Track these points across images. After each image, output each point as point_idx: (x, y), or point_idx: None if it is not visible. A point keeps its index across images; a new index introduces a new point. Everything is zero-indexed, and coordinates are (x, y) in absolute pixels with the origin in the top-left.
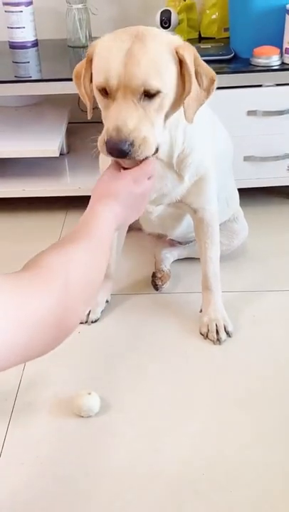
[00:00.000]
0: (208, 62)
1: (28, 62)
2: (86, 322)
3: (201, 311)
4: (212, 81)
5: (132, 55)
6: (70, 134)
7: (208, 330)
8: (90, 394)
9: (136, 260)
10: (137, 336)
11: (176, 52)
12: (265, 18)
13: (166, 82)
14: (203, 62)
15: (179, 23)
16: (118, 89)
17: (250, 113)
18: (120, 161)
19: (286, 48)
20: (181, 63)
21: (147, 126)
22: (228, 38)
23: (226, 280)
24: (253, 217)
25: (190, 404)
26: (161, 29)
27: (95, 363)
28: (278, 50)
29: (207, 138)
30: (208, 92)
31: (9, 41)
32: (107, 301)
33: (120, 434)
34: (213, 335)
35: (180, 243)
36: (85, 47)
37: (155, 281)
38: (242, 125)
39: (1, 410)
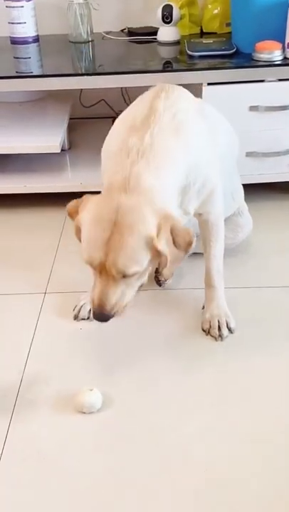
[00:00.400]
0: (210, 57)
1: (30, 57)
2: (88, 318)
3: (203, 307)
4: (189, 244)
5: (111, 248)
6: (71, 129)
7: (210, 326)
8: (91, 390)
9: None
10: (139, 333)
11: (154, 236)
12: (267, 12)
13: (142, 265)
14: (180, 229)
15: (181, 18)
16: (101, 270)
17: (252, 108)
18: None
19: (288, 43)
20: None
21: (129, 294)
22: (230, 32)
23: (229, 276)
24: (254, 213)
25: (192, 400)
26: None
27: (96, 359)
28: (280, 45)
29: (208, 157)
30: (186, 251)
31: (10, 37)
32: None
33: (122, 431)
34: (215, 331)
35: None
36: (86, 42)
37: (158, 278)
38: (244, 121)
39: (3, 407)
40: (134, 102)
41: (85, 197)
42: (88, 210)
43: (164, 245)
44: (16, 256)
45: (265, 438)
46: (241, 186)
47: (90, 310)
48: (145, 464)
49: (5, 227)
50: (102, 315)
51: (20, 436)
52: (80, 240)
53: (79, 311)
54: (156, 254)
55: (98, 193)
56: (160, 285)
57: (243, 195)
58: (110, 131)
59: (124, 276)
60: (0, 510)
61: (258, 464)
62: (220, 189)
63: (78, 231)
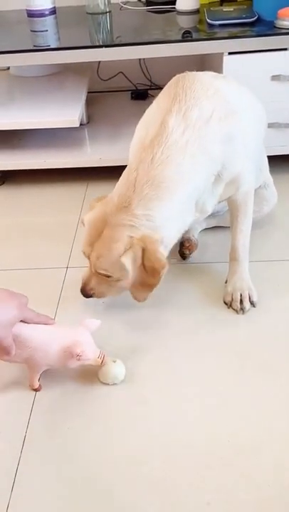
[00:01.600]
0: (230, 25)
1: (47, 30)
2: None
3: (226, 281)
4: (157, 271)
5: (94, 250)
6: (89, 103)
7: (232, 299)
8: (115, 362)
9: None
10: (161, 305)
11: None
12: None
13: (113, 273)
14: (151, 255)
15: None
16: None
17: (275, 78)
18: None
19: None
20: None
21: (104, 287)
22: (251, 0)
23: (252, 249)
24: (278, 186)
25: (214, 372)
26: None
27: (119, 332)
28: None
29: (222, 147)
30: (154, 278)
31: (27, 9)
32: None
33: (145, 402)
34: (237, 304)
35: None
36: (103, 13)
37: (182, 251)
38: (266, 90)
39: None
40: (152, 104)
41: (94, 200)
42: (90, 214)
43: (128, 262)
44: (38, 231)
45: (288, 407)
46: (266, 158)
47: None
48: (168, 433)
49: (25, 203)
50: (83, 292)
51: (46, 406)
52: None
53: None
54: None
55: (116, 167)
56: (184, 258)
57: (268, 167)
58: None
59: (99, 274)
60: (27, 482)
61: (282, 433)
62: (247, 171)
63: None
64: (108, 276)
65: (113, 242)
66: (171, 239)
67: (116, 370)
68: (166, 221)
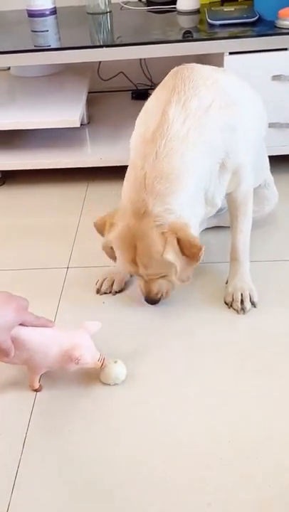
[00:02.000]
0: (231, 25)
1: (47, 30)
2: (110, 292)
3: (227, 282)
4: (196, 255)
5: (138, 264)
6: (90, 103)
7: (233, 299)
8: (116, 362)
9: None
10: (161, 306)
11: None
12: None
13: (166, 271)
14: (186, 241)
15: None
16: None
17: (275, 78)
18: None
19: None
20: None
21: (167, 285)
22: (252, 0)
23: (253, 249)
24: (279, 186)
25: (215, 372)
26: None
27: (120, 332)
28: None
29: (224, 136)
30: (196, 260)
31: (27, 9)
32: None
33: (146, 402)
34: (238, 304)
35: None
36: (104, 13)
37: None
38: (267, 90)
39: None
40: (150, 97)
41: (107, 217)
42: (114, 233)
43: (172, 257)
44: (38, 231)
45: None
46: (267, 157)
47: (112, 284)
48: (169, 434)
49: (26, 203)
50: (152, 301)
51: (46, 406)
52: (108, 255)
53: (101, 285)
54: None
55: (117, 168)
56: None
57: (268, 166)
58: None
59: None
60: (26, 481)
61: (282, 434)
62: (248, 166)
63: (108, 249)
64: (164, 276)
65: (151, 247)
66: (194, 227)
67: (117, 370)
68: (184, 210)
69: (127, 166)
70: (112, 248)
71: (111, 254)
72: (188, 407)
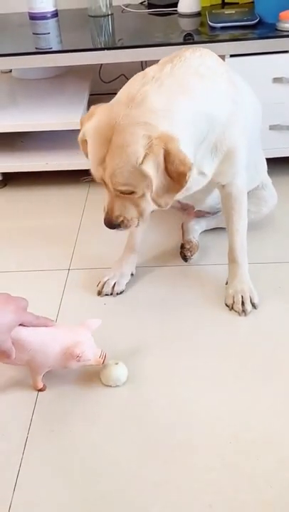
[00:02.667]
0: (232, 28)
1: (49, 33)
2: (111, 294)
3: (227, 283)
4: (183, 175)
5: (107, 167)
6: (92, 105)
7: (234, 301)
8: (117, 364)
9: (161, 233)
10: (162, 308)
11: (149, 151)
12: None
13: (135, 186)
14: (175, 156)
15: None
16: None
17: (276, 80)
18: None
19: None
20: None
21: (132, 210)
22: (253, 2)
23: (252, 251)
24: (279, 188)
25: (216, 374)
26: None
27: (121, 333)
28: None
29: (231, 110)
30: (179, 183)
31: (29, 12)
32: (132, 274)
33: (147, 404)
34: (238, 306)
35: (208, 213)
36: (105, 16)
37: (184, 253)
38: (268, 93)
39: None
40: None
41: (92, 107)
42: (91, 122)
43: (150, 169)
44: (40, 233)
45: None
46: (264, 159)
47: (114, 286)
48: (171, 435)
49: (27, 205)
50: (109, 223)
51: (48, 408)
52: (82, 150)
53: (102, 287)
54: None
55: None
56: (186, 260)
57: (266, 167)
58: None
59: (122, 193)
60: (28, 481)
61: (283, 434)
62: (242, 154)
63: (83, 143)
64: (132, 193)
65: (128, 147)
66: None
67: (118, 372)
68: (183, 128)
69: None
70: (86, 141)
71: (84, 148)
72: (189, 408)
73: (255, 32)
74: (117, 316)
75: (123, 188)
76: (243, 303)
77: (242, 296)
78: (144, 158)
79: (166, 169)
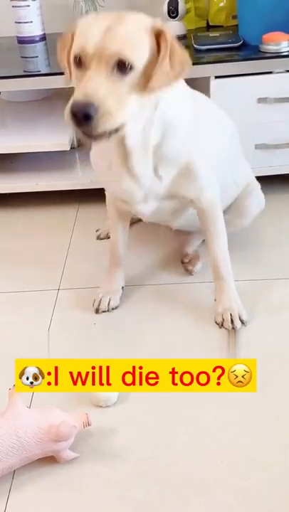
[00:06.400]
0: (217, 50)
1: (37, 56)
2: (108, 310)
3: (215, 299)
4: (182, 64)
5: (110, 29)
6: None
7: (223, 319)
8: None
9: (145, 251)
10: (153, 326)
11: (155, 31)
12: (273, 4)
13: (139, 57)
14: (178, 48)
15: (187, 12)
16: (93, 58)
17: (261, 100)
18: None
19: None
20: (158, 43)
21: (115, 100)
22: (237, 25)
23: (240, 269)
24: (266, 206)
25: (207, 392)
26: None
27: (111, 353)
28: (287, 36)
29: (187, 122)
30: (176, 75)
31: (17, 36)
32: (122, 288)
33: (139, 424)
34: (228, 324)
35: (190, 232)
36: None
37: (186, 267)
38: (252, 113)
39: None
40: None
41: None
42: (85, 18)
43: (168, 36)
44: (29, 254)
45: (281, 426)
46: (246, 165)
47: (109, 302)
48: (163, 454)
49: (17, 226)
50: (84, 103)
51: None
52: (60, 53)
53: (99, 304)
54: (155, 57)
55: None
56: (190, 273)
57: (249, 174)
58: None
59: (118, 65)
60: (17, 500)
61: (275, 452)
62: (201, 166)
63: (64, 42)
64: (123, 66)
65: (137, 20)
66: None
67: (109, 392)
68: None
69: None
70: (72, 37)
71: (64, 47)
72: (181, 426)
73: (239, 54)
74: (108, 336)
75: (126, 51)
76: (232, 320)
77: (231, 314)
78: (161, 27)
79: (171, 54)
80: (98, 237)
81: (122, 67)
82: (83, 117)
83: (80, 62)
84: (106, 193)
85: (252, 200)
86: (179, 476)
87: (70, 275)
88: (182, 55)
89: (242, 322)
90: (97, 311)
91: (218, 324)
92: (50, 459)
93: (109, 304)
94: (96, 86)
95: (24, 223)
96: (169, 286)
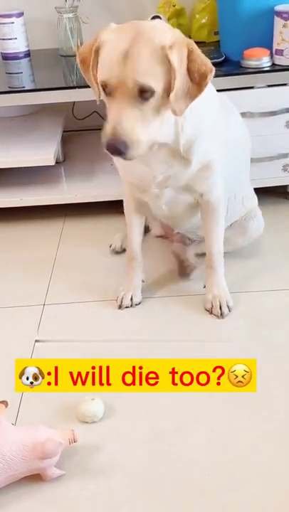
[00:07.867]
0: None
1: (21, 72)
2: (131, 306)
3: (204, 286)
4: (204, 76)
5: (128, 57)
6: (65, 142)
7: (212, 306)
8: (93, 399)
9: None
10: (141, 338)
11: (168, 50)
12: (254, 20)
13: (157, 81)
14: (198, 56)
15: None
16: (117, 87)
17: (243, 115)
18: None
19: (276, 50)
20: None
21: (143, 126)
22: (219, 41)
23: (241, 281)
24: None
25: (195, 407)
26: (161, 22)
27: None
28: (268, 52)
29: (213, 125)
30: (200, 86)
31: (2, 52)
32: (143, 281)
33: (125, 438)
34: (217, 310)
35: (190, 239)
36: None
37: (182, 272)
38: None
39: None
40: None
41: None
42: (111, 29)
43: (175, 60)
44: (14, 269)
45: (269, 440)
46: (253, 195)
47: (132, 298)
48: (150, 469)
49: (2, 241)
50: (115, 142)
51: None
52: (83, 62)
53: (121, 301)
54: (171, 73)
55: (92, 204)
56: (186, 277)
57: (255, 202)
58: None
59: (140, 93)
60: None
61: (262, 466)
62: (218, 166)
63: (86, 60)
64: (147, 95)
65: (154, 37)
66: None
67: (95, 408)
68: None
69: (102, 201)
70: (96, 51)
71: (86, 63)
72: (168, 442)
73: (221, 69)
74: (93, 350)
75: (144, 80)
76: (220, 307)
77: (219, 301)
78: (170, 48)
79: (188, 69)
80: (114, 251)
81: (144, 93)
82: (117, 152)
83: (105, 88)
84: (124, 186)
85: (254, 223)
86: (165, 491)
87: (56, 290)
88: (202, 63)
89: (228, 308)
90: (120, 307)
91: (207, 311)
92: (35, 477)
93: (132, 299)
94: (122, 119)
95: (9, 238)
96: (167, 299)
